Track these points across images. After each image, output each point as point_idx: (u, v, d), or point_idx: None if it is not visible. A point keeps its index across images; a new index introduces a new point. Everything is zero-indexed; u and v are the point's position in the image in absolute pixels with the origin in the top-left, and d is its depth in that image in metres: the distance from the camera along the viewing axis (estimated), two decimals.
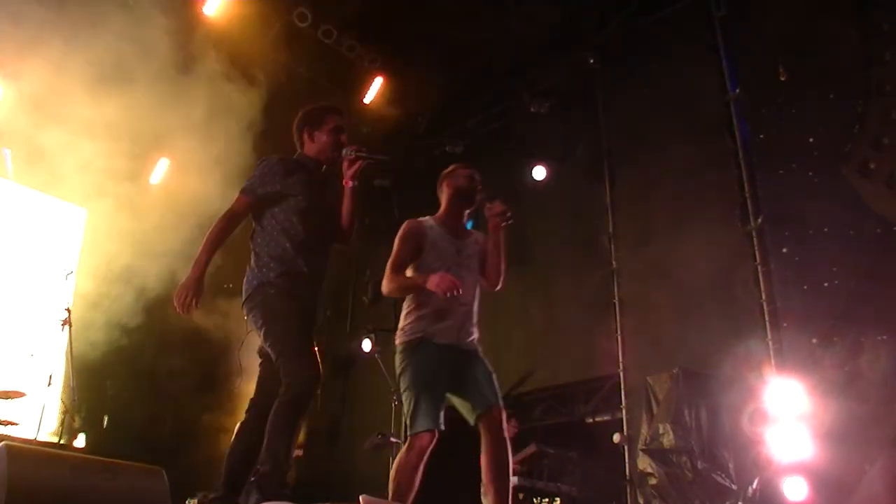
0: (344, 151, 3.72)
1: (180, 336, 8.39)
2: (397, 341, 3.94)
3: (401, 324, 3.95)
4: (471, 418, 3.84)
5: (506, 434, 3.76)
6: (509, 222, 3.97)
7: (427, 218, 4.06)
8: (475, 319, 4.02)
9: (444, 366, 3.80)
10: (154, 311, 8.34)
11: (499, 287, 4.11)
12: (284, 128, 4.05)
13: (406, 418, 3.78)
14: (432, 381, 3.75)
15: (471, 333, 3.97)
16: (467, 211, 4.11)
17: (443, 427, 3.70)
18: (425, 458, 3.66)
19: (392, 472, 3.69)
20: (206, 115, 7.82)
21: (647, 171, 7.82)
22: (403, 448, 3.73)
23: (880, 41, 5.84)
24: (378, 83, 9.32)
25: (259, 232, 3.71)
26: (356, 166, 3.71)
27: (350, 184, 3.72)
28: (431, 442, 3.66)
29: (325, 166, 3.83)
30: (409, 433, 3.73)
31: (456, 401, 3.86)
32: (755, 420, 5.55)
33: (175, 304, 3.45)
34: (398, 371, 3.86)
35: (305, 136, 3.85)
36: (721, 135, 6.93)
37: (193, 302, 3.43)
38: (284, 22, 8.13)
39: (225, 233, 3.60)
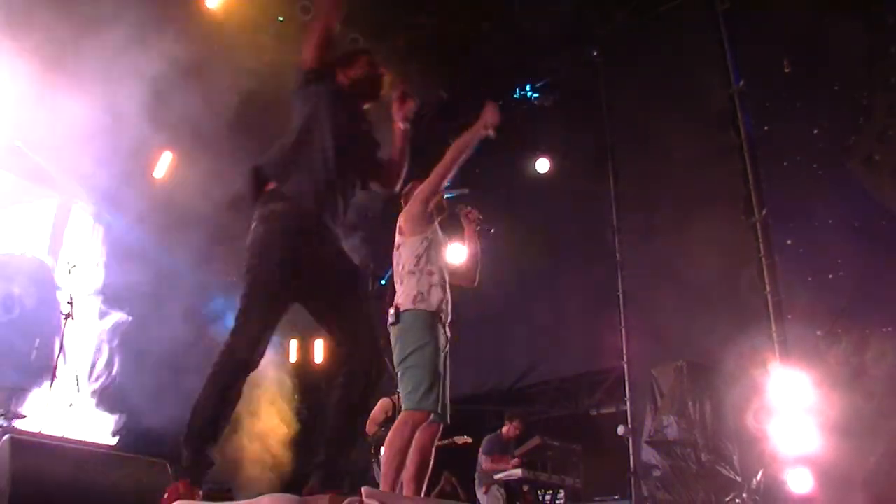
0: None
1: (188, 326, 8.37)
2: (415, 305, 3.53)
3: (415, 287, 3.57)
4: None
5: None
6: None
7: None
8: None
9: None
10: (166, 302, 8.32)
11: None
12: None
13: (408, 392, 3.44)
14: (442, 367, 3.51)
15: None
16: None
17: (448, 421, 3.58)
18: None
19: (388, 452, 3.41)
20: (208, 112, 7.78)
21: (651, 164, 7.80)
22: (397, 424, 3.44)
23: (885, 34, 5.82)
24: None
25: None
26: (407, 105, 3.34)
27: (402, 126, 3.32)
28: (424, 421, 3.47)
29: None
30: (406, 407, 3.42)
31: None
32: (760, 415, 5.55)
33: None
34: (414, 343, 3.46)
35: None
36: (725, 128, 6.91)
37: None
38: (287, 15, 8.10)
39: None
